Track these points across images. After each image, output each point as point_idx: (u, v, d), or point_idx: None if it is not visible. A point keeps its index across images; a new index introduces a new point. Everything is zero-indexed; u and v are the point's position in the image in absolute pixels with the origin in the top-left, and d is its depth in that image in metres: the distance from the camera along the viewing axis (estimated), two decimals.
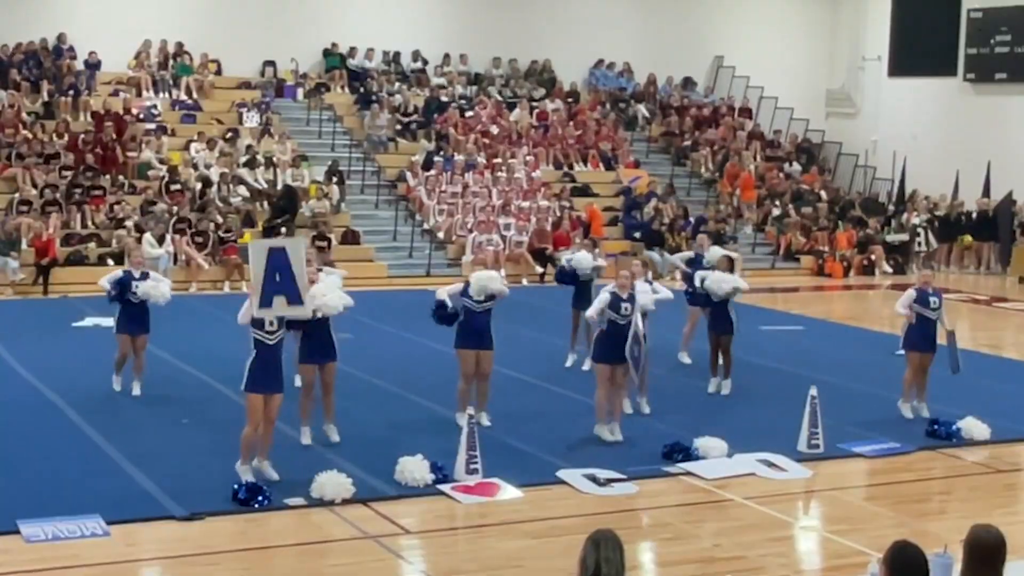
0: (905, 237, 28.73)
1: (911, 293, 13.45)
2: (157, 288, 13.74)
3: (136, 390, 13.77)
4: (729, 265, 14.56)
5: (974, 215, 28.98)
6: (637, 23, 32.41)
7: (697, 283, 14.87)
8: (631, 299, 12.17)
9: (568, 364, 15.81)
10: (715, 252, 15.86)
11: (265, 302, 10.08)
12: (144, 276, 13.88)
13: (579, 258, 15.65)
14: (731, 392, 14.48)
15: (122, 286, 13.70)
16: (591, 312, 12.39)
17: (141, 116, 26.72)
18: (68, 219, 23.37)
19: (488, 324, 12.45)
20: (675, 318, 15.98)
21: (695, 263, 16.13)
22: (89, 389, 13.91)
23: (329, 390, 11.85)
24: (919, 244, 28.57)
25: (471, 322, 12.39)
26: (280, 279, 10.08)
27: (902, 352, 13.90)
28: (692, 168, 30.62)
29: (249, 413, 10.38)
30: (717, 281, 14.24)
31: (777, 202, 29.36)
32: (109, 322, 14.68)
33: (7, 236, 21.91)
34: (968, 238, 28.86)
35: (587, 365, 15.62)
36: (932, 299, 13.34)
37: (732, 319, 14.39)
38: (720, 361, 14.52)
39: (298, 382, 12.21)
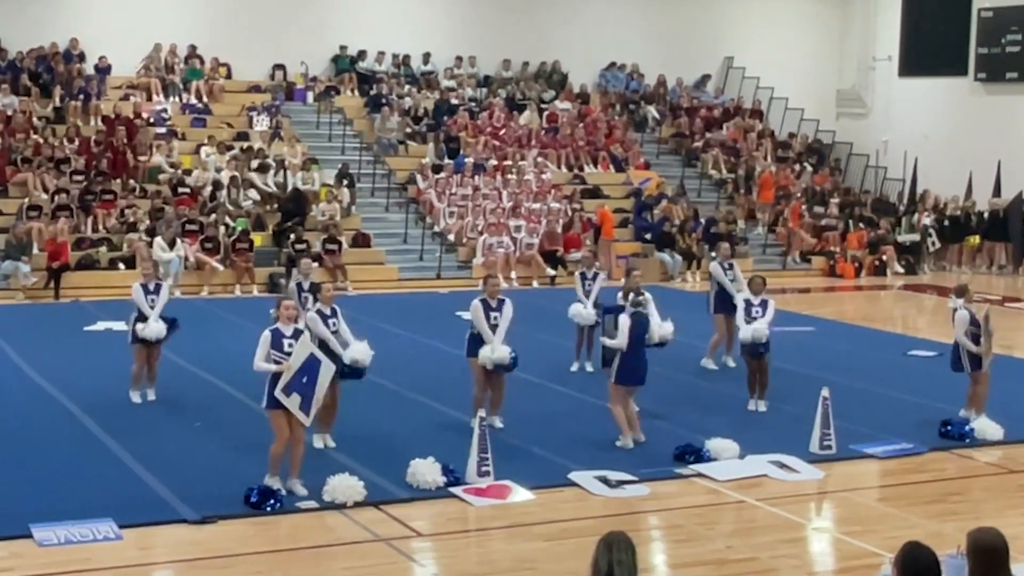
0: (916, 237, 28.64)
1: (966, 316, 13.03)
2: (151, 328, 13.51)
3: (151, 395, 13.79)
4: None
5: (985, 215, 28.90)
6: (647, 25, 32.37)
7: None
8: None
9: (573, 369, 15.82)
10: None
11: (287, 391, 10.29)
12: (157, 288, 13.90)
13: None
14: (740, 392, 14.43)
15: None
16: (619, 341, 11.99)
17: (151, 120, 26.76)
18: (79, 223, 23.41)
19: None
20: (688, 323, 15.88)
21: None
22: (101, 393, 13.93)
23: (334, 405, 11.88)
24: (932, 245, 28.51)
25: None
26: (306, 383, 10.35)
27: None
28: (702, 169, 30.57)
29: (275, 430, 10.36)
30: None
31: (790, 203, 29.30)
32: (121, 326, 14.70)
33: (18, 241, 21.93)
34: (976, 239, 28.77)
35: (589, 367, 15.68)
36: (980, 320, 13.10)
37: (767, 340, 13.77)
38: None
39: None
